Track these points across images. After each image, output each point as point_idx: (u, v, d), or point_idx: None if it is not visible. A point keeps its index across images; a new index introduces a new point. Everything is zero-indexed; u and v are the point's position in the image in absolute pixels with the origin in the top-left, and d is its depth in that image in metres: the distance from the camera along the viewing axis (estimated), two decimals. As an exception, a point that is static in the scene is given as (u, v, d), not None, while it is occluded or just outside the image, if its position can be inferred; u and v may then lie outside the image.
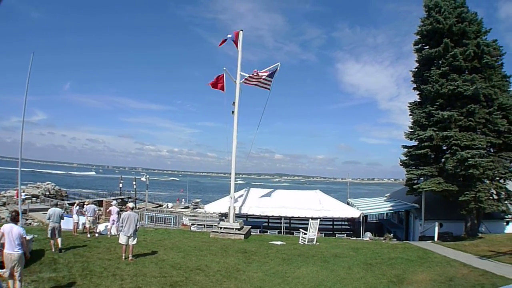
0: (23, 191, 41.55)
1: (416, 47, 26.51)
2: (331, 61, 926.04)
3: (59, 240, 14.66)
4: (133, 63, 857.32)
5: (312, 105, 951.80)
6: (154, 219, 30.13)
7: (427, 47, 25.77)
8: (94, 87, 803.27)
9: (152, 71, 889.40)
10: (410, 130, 25.89)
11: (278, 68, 24.29)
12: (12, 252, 8.38)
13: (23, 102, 16.07)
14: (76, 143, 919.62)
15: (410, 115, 26.55)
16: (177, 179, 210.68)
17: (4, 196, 46.47)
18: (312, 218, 22.94)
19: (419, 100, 26.87)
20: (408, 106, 27.29)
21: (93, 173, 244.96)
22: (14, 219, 9.04)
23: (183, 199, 67.17)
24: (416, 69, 26.85)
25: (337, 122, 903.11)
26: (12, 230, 8.48)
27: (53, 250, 14.26)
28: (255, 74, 23.75)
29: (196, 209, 43.28)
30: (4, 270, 8.69)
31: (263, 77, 23.86)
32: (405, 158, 26.28)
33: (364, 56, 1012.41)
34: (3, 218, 36.34)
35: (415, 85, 26.95)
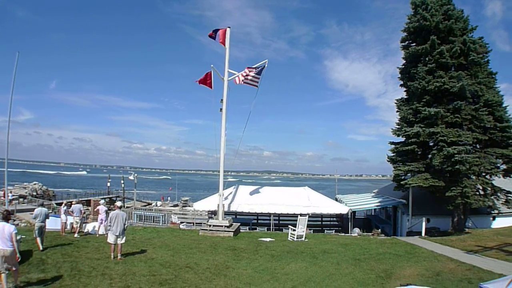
0: (10, 192, 41.08)
1: (403, 44, 26.70)
2: (319, 58, 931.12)
3: (40, 239, 14.65)
4: (119, 61, 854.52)
5: (300, 102, 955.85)
6: (143, 218, 30.08)
7: (414, 44, 25.95)
8: (81, 86, 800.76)
9: (139, 69, 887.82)
10: (397, 126, 26.09)
11: (266, 65, 24.27)
12: (5, 248, 8.86)
13: (9, 102, 15.94)
14: (63, 142, 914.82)
15: (397, 111, 26.73)
16: (170, 178, 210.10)
17: None
18: (301, 215, 23.02)
19: (406, 97, 27.05)
20: (395, 103, 27.49)
21: (84, 172, 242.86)
22: (6, 218, 9.41)
23: (168, 197, 66.90)
24: (403, 66, 27.03)
25: (325, 119, 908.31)
26: (4, 228, 8.95)
27: (41, 249, 14.19)
28: (245, 73, 23.77)
29: (185, 207, 43.29)
30: None
31: (251, 74, 23.83)
32: (393, 154, 26.48)
33: (352, 53, 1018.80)
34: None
35: (402, 82, 27.14)
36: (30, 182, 60.90)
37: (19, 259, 9.47)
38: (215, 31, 23.95)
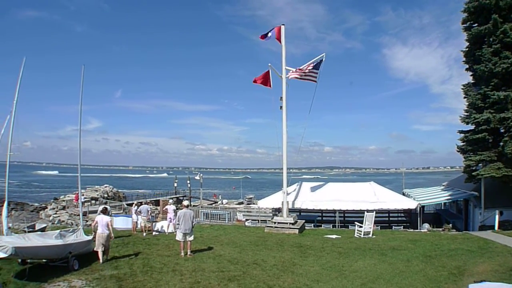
0: (82, 195, 43.61)
1: (465, 25, 25.36)
2: (377, 47, 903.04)
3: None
4: (179, 69, 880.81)
5: (360, 95, 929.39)
6: (209, 216, 30.79)
7: (476, 24, 24.56)
8: (145, 93, 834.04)
9: (198, 72, 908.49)
10: (466, 113, 24.79)
11: (323, 59, 23.91)
12: (103, 232, 12.73)
13: (78, 112, 16.81)
14: (130, 147, 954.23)
15: (465, 97, 25.35)
16: (249, 177, 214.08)
17: (64, 200, 49.19)
18: (368, 211, 22.62)
19: (472, 81, 25.64)
20: (462, 88, 26.08)
21: (165, 174, 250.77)
22: (104, 212, 13.53)
23: (219, 196, 67.72)
24: (467, 49, 25.60)
25: (387, 110, 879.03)
26: (103, 219, 12.99)
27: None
28: (302, 69, 23.64)
29: (249, 205, 43.75)
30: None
31: (309, 69, 23.66)
32: (462, 143, 25.28)
33: (411, 39, 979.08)
34: (63, 221, 38.42)
35: (467, 66, 25.70)
36: (101, 185, 64.29)
37: (113, 238, 13.49)
38: (266, 34, 23.90)
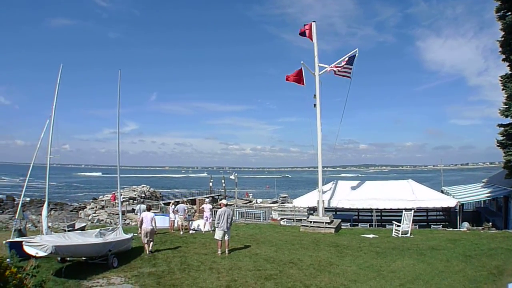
0: (121, 194, 44.85)
1: (499, 14, 24.29)
2: (411, 39, 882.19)
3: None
4: (209, 64, 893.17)
5: (394, 89, 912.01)
6: (244, 215, 31.00)
7: (510, 13, 23.70)
8: (179, 95, 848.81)
9: (228, 72, 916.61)
10: (505, 106, 23.80)
11: (357, 54, 23.58)
12: (148, 227, 14.16)
13: (116, 116, 17.29)
14: (166, 148, 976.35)
15: (503, 89, 24.27)
16: (289, 176, 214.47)
17: (103, 200, 51.06)
18: (406, 209, 22.25)
19: (510, 72, 24.66)
20: (500, 80, 25.03)
21: (205, 174, 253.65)
22: (149, 209, 16.03)
23: (251, 194, 67.79)
24: (503, 38, 24.42)
25: (423, 105, 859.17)
26: (147, 215, 14.45)
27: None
28: (336, 65, 23.44)
29: (284, 204, 43.73)
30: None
31: (342, 65, 23.44)
32: (502, 138, 24.33)
33: (445, 30, 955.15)
34: (102, 220, 39.53)
35: (503, 56, 24.70)
36: (139, 185, 65.75)
37: (156, 232, 15.30)
38: (303, 33, 23.83)
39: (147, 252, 14.10)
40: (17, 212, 16.98)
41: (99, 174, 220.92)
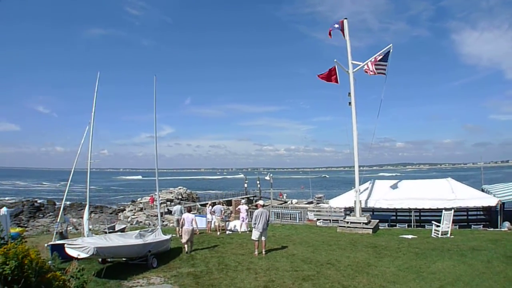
0: (159, 196, 45.72)
1: None
2: (445, 32, 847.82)
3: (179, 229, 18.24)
4: (242, 65, 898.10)
5: (430, 85, 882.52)
6: (280, 215, 30.92)
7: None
8: (213, 98, 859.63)
9: (260, 72, 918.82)
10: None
11: (391, 50, 23.09)
12: (188, 227, 14.96)
13: (153, 120, 17.69)
14: (201, 150, 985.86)
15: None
16: (327, 176, 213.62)
17: (141, 202, 52.31)
18: (445, 209, 21.67)
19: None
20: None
21: (242, 175, 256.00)
22: (189, 210, 17.91)
23: (285, 195, 67.37)
24: None
25: (461, 100, 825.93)
26: (188, 216, 15.41)
27: (180, 235, 16.54)
28: (370, 62, 23.07)
29: (319, 204, 43.42)
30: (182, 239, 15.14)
31: (377, 61, 23.05)
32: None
33: (480, 22, 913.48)
34: (140, 222, 40.35)
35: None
36: (176, 187, 66.79)
37: (197, 233, 16.86)
38: (332, 30, 23.51)
39: (186, 252, 14.57)
40: (59, 216, 17.52)
41: (139, 177, 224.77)
